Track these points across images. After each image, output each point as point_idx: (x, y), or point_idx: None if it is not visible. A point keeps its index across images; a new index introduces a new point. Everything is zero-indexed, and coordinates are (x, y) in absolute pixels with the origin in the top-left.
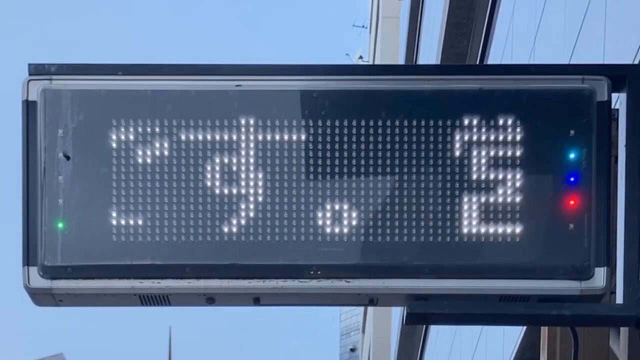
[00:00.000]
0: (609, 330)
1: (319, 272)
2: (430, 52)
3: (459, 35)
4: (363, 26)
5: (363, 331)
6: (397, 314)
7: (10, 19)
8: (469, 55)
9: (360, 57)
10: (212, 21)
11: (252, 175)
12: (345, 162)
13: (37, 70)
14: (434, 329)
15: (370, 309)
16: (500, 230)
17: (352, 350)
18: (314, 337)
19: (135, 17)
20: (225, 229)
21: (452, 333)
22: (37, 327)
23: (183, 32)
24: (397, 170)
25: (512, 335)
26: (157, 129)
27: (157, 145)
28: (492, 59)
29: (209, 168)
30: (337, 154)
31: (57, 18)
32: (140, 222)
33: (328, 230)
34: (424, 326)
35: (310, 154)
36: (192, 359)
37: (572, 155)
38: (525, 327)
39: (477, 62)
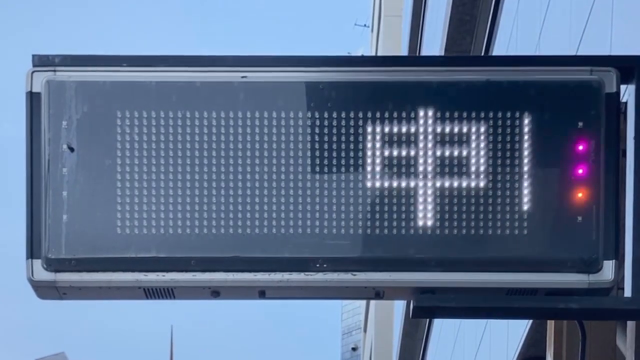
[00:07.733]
0: (615, 326)
1: (325, 265)
2: (433, 50)
3: (463, 32)
4: (365, 25)
5: (365, 330)
6: (399, 312)
7: (14, 11)
8: (473, 52)
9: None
10: (212, 18)
11: (257, 167)
12: (352, 154)
13: (41, 62)
14: (436, 328)
15: (372, 307)
16: (507, 223)
17: (354, 349)
18: (316, 337)
19: (141, 12)
20: (231, 222)
21: (455, 331)
22: (38, 325)
23: (185, 27)
24: (402, 162)
25: (516, 331)
26: (162, 121)
27: (162, 136)
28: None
29: (214, 160)
30: (342, 146)
31: (60, 11)
32: (144, 214)
33: (334, 222)
34: (427, 325)
35: (317, 145)
36: (194, 357)
37: (580, 148)
38: (529, 324)
39: None
